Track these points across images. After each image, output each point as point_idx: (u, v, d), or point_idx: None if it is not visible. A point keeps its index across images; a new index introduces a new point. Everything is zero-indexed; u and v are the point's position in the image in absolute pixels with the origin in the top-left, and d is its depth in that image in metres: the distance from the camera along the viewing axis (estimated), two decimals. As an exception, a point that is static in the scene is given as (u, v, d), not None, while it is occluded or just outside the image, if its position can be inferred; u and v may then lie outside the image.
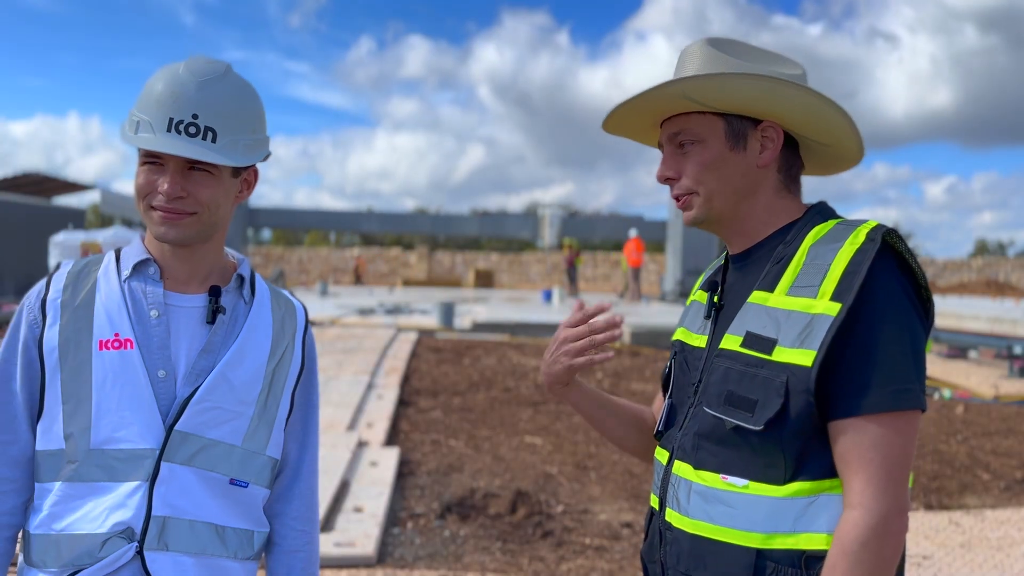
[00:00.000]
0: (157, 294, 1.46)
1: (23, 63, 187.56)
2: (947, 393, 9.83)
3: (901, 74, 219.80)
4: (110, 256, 1.51)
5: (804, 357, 1.24)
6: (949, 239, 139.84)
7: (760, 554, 1.27)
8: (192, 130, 1.38)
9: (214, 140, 1.40)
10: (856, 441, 1.23)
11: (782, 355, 1.27)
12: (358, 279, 35.86)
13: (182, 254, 1.48)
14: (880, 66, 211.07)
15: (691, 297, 1.61)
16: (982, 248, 68.91)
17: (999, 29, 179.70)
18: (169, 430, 1.41)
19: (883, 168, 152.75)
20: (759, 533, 1.27)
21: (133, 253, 1.49)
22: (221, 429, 1.45)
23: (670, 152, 1.44)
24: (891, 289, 1.26)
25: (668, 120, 1.44)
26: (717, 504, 1.32)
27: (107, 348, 1.41)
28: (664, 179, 1.45)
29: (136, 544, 1.38)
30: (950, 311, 18.37)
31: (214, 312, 1.48)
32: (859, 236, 1.29)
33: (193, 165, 1.40)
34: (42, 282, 1.49)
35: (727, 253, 1.50)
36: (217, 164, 1.42)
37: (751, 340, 1.31)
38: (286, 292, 1.68)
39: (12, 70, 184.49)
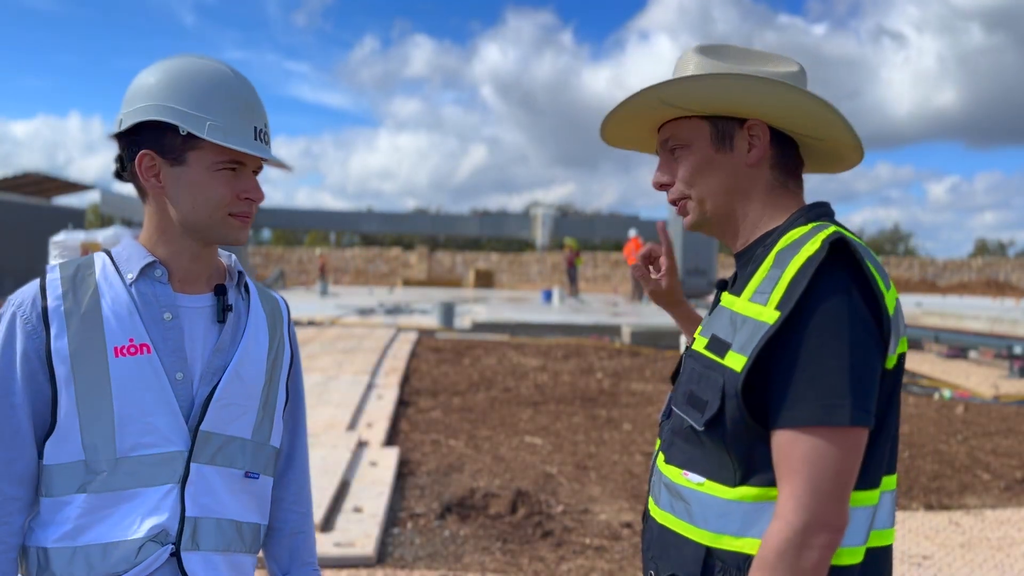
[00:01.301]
0: (168, 296, 1.45)
1: (24, 63, 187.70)
2: (947, 393, 9.83)
3: (905, 73, 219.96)
4: (103, 259, 1.47)
5: (738, 363, 1.26)
6: (950, 239, 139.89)
7: (710, 552, 1.30)
8: (266, 138, 1.47)
9: (268, 145, 1.49)
10: (786, 452, 1.22)
11: (728, 359, 1.28)
12: (323, 277, 35.54)
13: (202, 255, 1.50)
14: (884, 66, 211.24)
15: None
16: (982, 248, 68.91)
17: (1005, 28, 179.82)
18: (195, 431, 1.42)
19: (886, 168, 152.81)
20: (710, 532, 1.30)
21: (135, 256, 1.46)
22: (236, 425, 1.48)
23: (664, 158, 1.47)
24: (835, 299, 1.23)
25: (661, 127, 1.47)
26: (678, 499, 1.36)
27: (123, 354, 1.39)
28: (659, 185, 1.47)
29: (172, 546, 1.39)
30: (950, 311, 18.37)
31: (224, 311, 1.50)
32: (815, 243, 1.26)
33: (256, 170, 1.48)
34: (32, 289, 1.42)
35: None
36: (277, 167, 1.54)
37: (713, 342, 1.34)
38: (261, 287, 1.70)
39: (13, 70, 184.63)
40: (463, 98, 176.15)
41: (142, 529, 1.38)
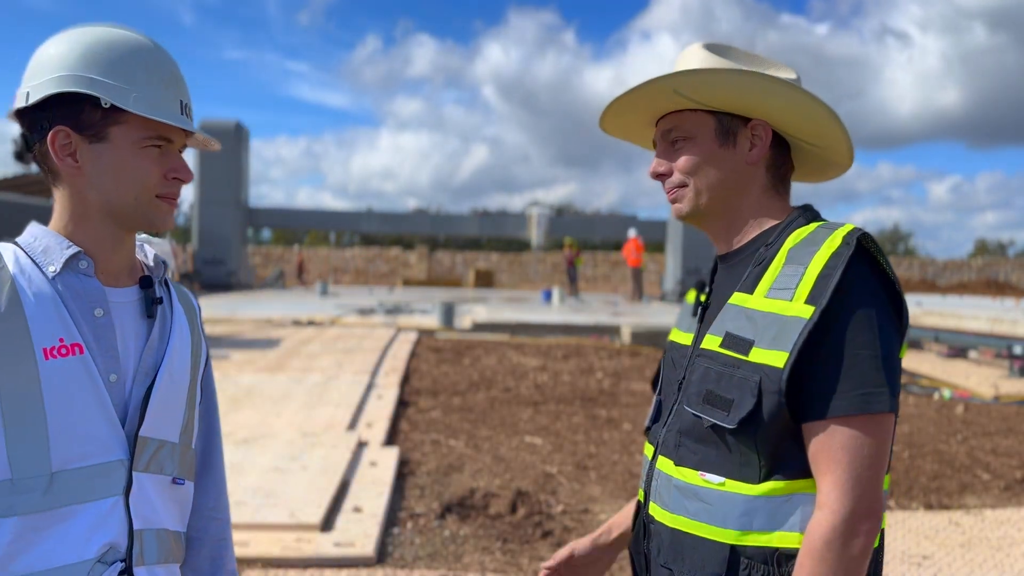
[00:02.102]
0: (97, 290, 1.31)
1: (25, 63, 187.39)
2: (947, 393, 9.83)
3: (908, 73, 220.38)
4: (13, 251, 1.30)
5: (776, 358, 1.27)
6: (951, 239, 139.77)
7: (734, 550, 1.31)
8: (191, 113, 1.36)
9: (192, 121, 1.38)
10: (825, 443, 1.25)
11: (757, 356, 1.29)
12: (300, 276, 35.02)
13: (125, 243, 1.37)
14: (887, 65, 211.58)
15: (688, 297, 1.66)
16: (982, 248, 68.89)
17: (1008, 28, 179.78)
18: (134, 436, 1.30)
19: (887, 167, 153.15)
20: (734, 530, 1.31)
21: (54, 246, 1.30)
22: (167, 428, 1.37)
23: (662, 149, 1.50)
24: (864, 293, 1.28)
25: (662, 118, 1.50)
26: (695, 500, 1.36)
27: (53, 356, 1.23)
28: (656, 175, 1.50)
29: (121, 564, 1.28)
30: (950, 311, 18.36)
31: (153, 304, 1.37)
32: (835, 240, 1.31)
33: (181, 148, 1.36)
34: None
35: (717, 253, 1.56)
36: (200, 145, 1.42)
37: (729, 340, 1.34)
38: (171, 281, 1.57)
39: (14, 70, 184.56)
40: (465, 98, 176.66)
41: (91, 547, 1.25)
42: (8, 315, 1.23)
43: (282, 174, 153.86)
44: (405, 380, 9.64)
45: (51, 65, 1.28)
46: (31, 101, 1.28)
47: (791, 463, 1.29)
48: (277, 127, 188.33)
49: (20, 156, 1.36)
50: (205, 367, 1.53)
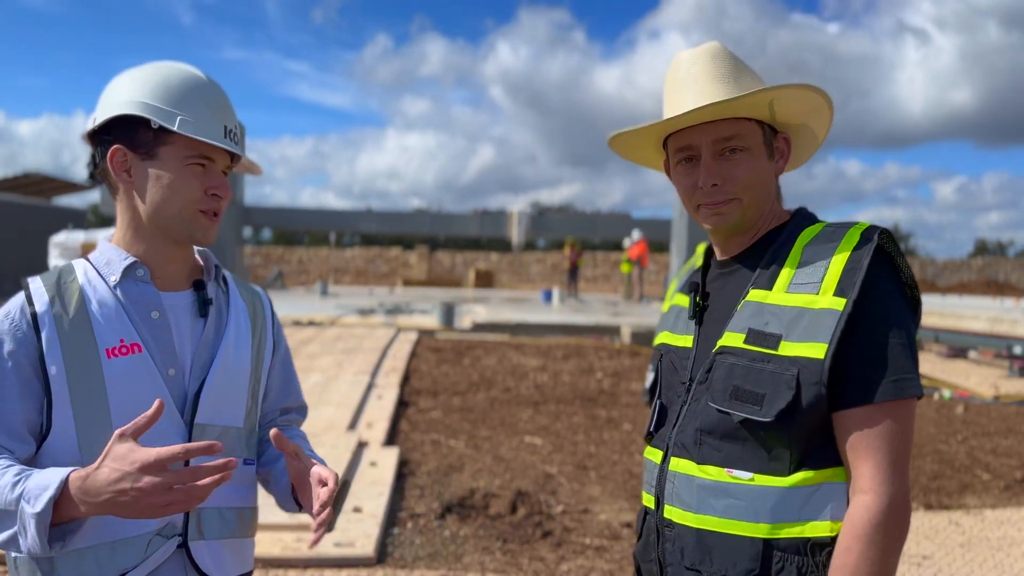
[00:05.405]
0: (153, 295, 1.47)
1: (27, 62, 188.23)
2: (947, 393, 9.83)
3: (919, 71, 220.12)
4: (84, 265, 1.48)
5: (815, 350, 1.29)
6: (954, 239, 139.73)
7: (767, 544, 1.32)
8: (236, 137, 1.51)
9: (238, 145, 1.52)
10: (864, 429, 1.28)
11: (789, 349, 1.31)
12: None
13: (178, 254, 1.52)
14: (898, 64, 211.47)
15: (667, 303, 1.65)
16: (982, 248, 68.85)
17: (1021, 27, 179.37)
18: (190, 424, 1.46)
19: (894, 168, 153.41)
20: (766, 524, 1.32)
21: (114, 258, 1.48)
22: (229, 415, 1.52)
23: (711, 158, 1.42)
24: (889, 285, 1.32)
25: (707, 125, 1.41)
26: (723, 497, 1.36)
27: (115, 355, 1.40)
28: (711, 186, 1.42)
29: (180, 538, 1.44)
30: (950, 311, 18.35)
31: (204, 305, 1.53)
32: (855, 236, 1.34)
33: (225, 170, 1.51)
34: (18, 300, 1.42)
35: (707, 257, 1.56)
36: (248, 167, 1.62)
37: (754, 336, 1.35)
38: (239, 279, 1.72)
39: (15, 70, 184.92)
40: (473, 98, 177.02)
41: (148, 524, 1.40)
42: (76, 320, 1.40)
43: (286, 174, 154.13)
44: (405, 380, 9.64)
45: (115, 94, 1.47)
46: (97, 124, 1.47)
47: (819, 453, 1.32)
48: (280, 127, 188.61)
49: (92, 174, 1.52)
50: (275, 359, 1.68)
